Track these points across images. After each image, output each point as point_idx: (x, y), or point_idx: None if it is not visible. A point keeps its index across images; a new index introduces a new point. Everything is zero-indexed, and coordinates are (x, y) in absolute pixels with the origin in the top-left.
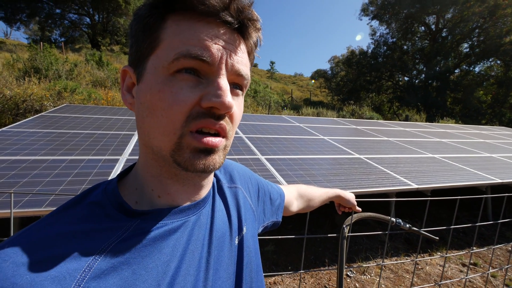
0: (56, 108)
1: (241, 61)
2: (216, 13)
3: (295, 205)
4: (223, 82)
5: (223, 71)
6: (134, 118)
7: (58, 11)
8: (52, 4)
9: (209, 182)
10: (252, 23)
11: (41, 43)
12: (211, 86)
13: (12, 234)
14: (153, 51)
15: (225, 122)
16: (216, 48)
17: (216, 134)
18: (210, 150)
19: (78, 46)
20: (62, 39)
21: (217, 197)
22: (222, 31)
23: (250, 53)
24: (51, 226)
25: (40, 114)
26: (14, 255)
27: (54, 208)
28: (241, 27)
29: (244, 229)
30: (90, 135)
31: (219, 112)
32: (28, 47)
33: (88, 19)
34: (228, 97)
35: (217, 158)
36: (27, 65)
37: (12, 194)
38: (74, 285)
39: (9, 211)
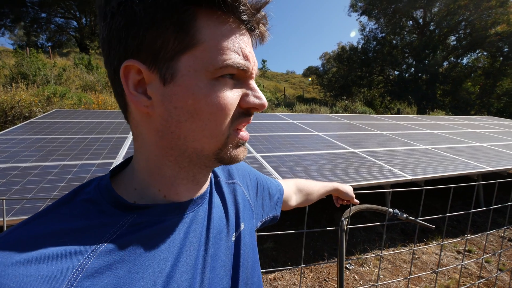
0: (45, 113)
1: (257, 63)
2: (248, 21)
3: (294, 200)
4: (255, 84)
5: (254, 75)
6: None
7: (43, 15)
8: (37, 9)
9: (208, 179)
10: (265, 27)
11: (27, 48)
12: (247, 88)
13: None
14: (188, 51)
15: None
16: (251, 56)
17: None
18: (244, 142)
19: (66, 51)
20: (49, 43)
21: (215, 193)
22: (249, 37)
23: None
24: (42, 224)
25: (29, 120)
26: (3, 254)
27: None
28: (258, 32)
29: (242, 225)
30: (82, 139)
31: (257, 111)
32: (14, 53)
33: (75, 23)
34: (265, 98)
35: (246, 148)
36: (13, 71)
37: (4, 201)
38: (66, 285)
39: (1, 219)
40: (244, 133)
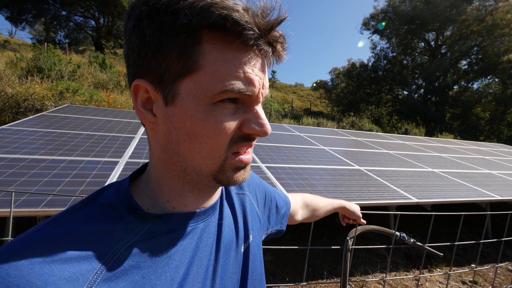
0: (57, 108)
1: (268, 85)
2: (256, 43)
3: (300, 214)
4: (261, 110)
5: (260, 100)
6: (136, 121)
7: (64, 13)
8: (58, 6)
9: (219, 190)
10: (282, 47)
11: (45, 43)
12: (250, 113)
13: (9, 234)
14: (189, 75)
15: (255, 140)
16: (257, 80)
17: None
18: (246, 166)
19: (82, 48)
20: (67, 40)
21: (225, 204)
22: (259, 59)
23: (269, 69)
24: (65, 225)
25: (41, 113)
26: (30, 252)
27: (52, 209)
28: (272, 52)
29: (251, 237)
30: (91, 136)
31: (259, 137)
32: (32, 47)
33: (93, 22)
34: (268, 125)
35: (249, 170)
36: (30, 65)
37: (13, 193)
38: (86, 287)
39: (9, 210)
40: (244, 156)
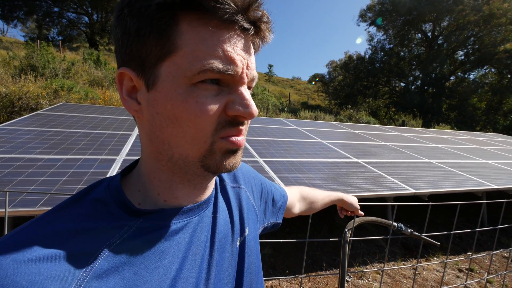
0: (52, 106)
1: (254, 66)
2: (235, 20)
3: (297, 207)
4: (246, 91)
5: (245, 80)
6: (132, 118)
7: (56, 9)
8: (50, 3)
9: (212, 183)
10: (266, 26)
11: (38, 41)
12: (235, 94)
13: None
14: (168, 57)
15: (245, 124)
16: (239, 60)
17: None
18: (236, 150)
19: (75, 45)
20: (60, 37)
21: (220, 197)
22: (241, 39)
23: (256, 53)
24: (53, 222)
25: (36, 112)
26: (15, 252)
27: (49, 208)
28: (255, 31)
29: (247, 230)
30: (87, 134)
31: (244, 119)
32: (25, 45)
33: (86, 18)
34: (254, 106)
35: (240, 157)
36: (23, 63)
37: (7, 193)
38: (75, 285)
39: (4, 210)
40: (235, 138)
